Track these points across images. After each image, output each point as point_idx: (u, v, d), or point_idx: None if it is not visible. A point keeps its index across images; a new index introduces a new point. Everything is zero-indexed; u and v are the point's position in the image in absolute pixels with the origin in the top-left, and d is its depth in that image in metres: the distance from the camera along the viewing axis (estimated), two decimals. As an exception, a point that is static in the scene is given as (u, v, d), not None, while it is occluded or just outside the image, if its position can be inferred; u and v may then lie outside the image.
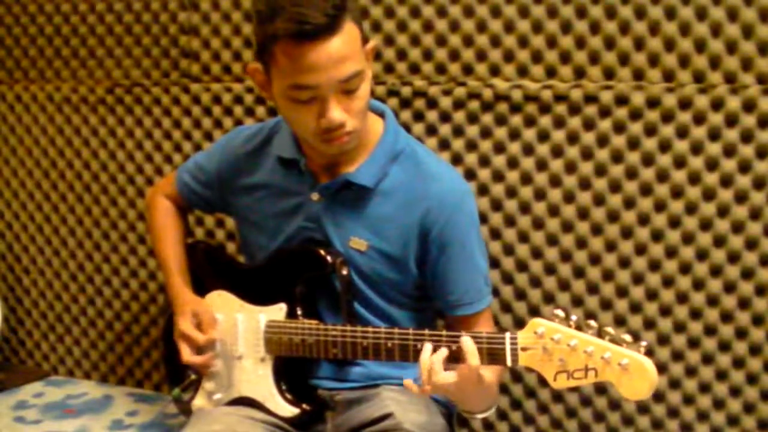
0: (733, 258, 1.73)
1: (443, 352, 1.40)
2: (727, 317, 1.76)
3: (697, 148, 1.72)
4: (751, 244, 1.72)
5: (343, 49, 1.43)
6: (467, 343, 1.39)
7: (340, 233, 1.63)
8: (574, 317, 1.33)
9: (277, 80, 1.48)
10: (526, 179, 1.86)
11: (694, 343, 1.79)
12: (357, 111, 1.50)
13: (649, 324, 1.81)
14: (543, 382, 1.35)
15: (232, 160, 1.75)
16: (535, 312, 1.89)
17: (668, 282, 1.78)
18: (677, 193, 1.75)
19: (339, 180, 1.61)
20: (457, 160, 1.90)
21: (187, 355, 1.67)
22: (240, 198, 1.74)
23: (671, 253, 1.77)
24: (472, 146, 1.89)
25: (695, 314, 1.78)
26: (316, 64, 1.42)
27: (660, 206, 1.76)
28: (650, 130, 1.75)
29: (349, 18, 1.44)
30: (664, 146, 1.74)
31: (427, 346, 1.42)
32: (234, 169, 1.74)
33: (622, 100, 1.76)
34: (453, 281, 1.62)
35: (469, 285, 1.63)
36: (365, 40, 1.52)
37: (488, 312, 1.66)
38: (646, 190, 1.77)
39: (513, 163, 1.87)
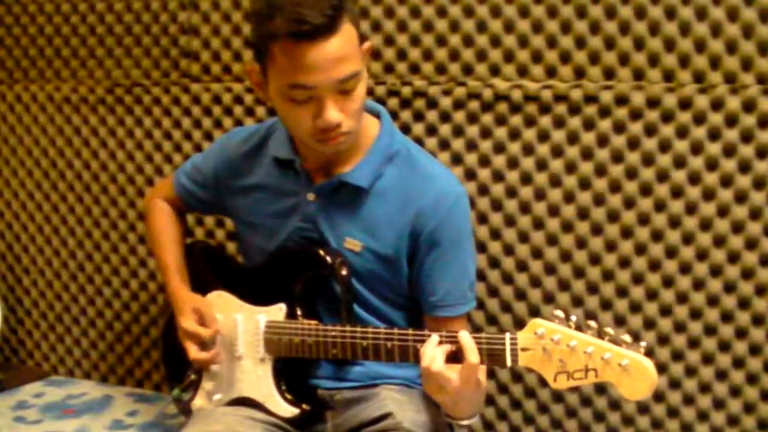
0: (733, 258, 1.73)
1: (446, 346, 1.40)
2: (727, 317, 1.76)
3: (697, 148, 1.72)
4: (751, 244, 1.72)
5: (341, 50, 1.43)
6: (465, 339, 1.38)
7: (335, 234, 1.62)
8: (573, 318, 1.33)
9: (275, 80, 1.48)
10: (526, 179, 1.86)
11: (694, 343, 1.79)
12: (353, 111, 1.50)
13: (649, 324, 1.81)
14: (543, 382, 1.34)
15: (229, 162, 1.75)
16: (535, 312, 1.89)
17: (668, 282, 1.78)
18: (677, 193, 1.75)
19: (334, 180, 1.61)
20: (457, 160, 1.90)
21: (194, 352, 1.67)
22: (237, 199, 1.74)
23: (671, 253, 1.77)
24: (472, 146, 1.89)
25: (695, 314, 1.78)
26: (314, 65, 1.42)
27: (660, 206, 1.76)
28: (650, 130, 1.75)
29: (347, 18, 1.44)
30: (664, 146, 1.74)
31: (434, 337, 1.41)
32: (231, 170, 1.74)
33: (622, 100, 1.76)
34: (438, 281, 1.61)
35: (453, 287, 1.62)
36: (362, 39, 1.52)
37: (465, 319, 1.66)
38: (646, 190, 1.77)
39: (513, 163, 1.87)
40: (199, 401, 1.73)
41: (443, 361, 1.39)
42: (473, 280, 1.65)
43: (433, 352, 1.40)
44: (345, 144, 1.54)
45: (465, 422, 1.49)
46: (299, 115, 1.48)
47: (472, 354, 1.38)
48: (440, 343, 1.41)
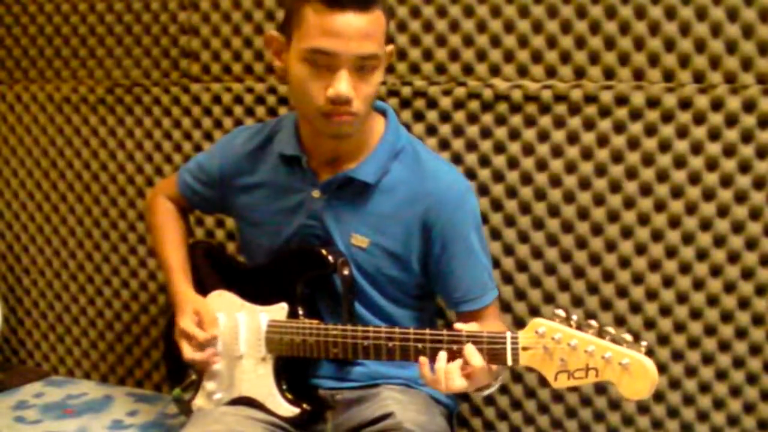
0: (733, 258, 1.73)
1: (458, 362, 1.41)
2: (727, 317, 1.76)
3: (697, 148, 1.72)
4: (751, 244, 1.72)
5: (369, 28, 1.46)
6: (469, 351, 1.40)
7: (342, 230, 1.63)
8: (574, 317, 1.33)
9: (298, 43, 1.49)
10: (526, 179, 1.86)
11: (694, 343, 1.79)
12: (365, 95, 1.51)
13: (649, 324, 1.81)
14: (543, 382, 1.35)
15: (234, 160, 1.75)
16: (535, 312, 1.89)
17: (668, 282, 1.79)
18: (677, 193, 1.75)
19: (340, 176, 1.61)
20: (457, 160, 1.90)
21: (188, 352, 1.67)
22: (241, 197, 1.74)
23: (671, 253, 1.77)
24: (472, 146, 1.89)
25: (695, 314, 1.78)
26: (341, 32, 1.44)
27: (660, 206, 1.77)
28: (650, 130, 1.75)
29: (381, 7, 1.48)
30: (664, 146, 1.74)
31: (442, 355, 1.42)
32: (235, 168, 1.74)
33: (622, 100, 1.76)
34: (457, 278, 1.62)
35: (473, 280, 1.63)
36: (389, 39, 1.55)
37: (495, 306, 1.67)
38: (646, 190, 1.77)
39: (513, 163, 1.87)
40: (199, 401, 1.73)
41: (459, 375, 1.40)
42: (490, 269, 1.67)
43: (445, 372, 1.40)
44: (350, 127, 1.54)
45: (486, 392, 1.50)
46: (313, 85, 1.49)
47: (474, 358, 1.39)
48: (443, 349, 1.42)
